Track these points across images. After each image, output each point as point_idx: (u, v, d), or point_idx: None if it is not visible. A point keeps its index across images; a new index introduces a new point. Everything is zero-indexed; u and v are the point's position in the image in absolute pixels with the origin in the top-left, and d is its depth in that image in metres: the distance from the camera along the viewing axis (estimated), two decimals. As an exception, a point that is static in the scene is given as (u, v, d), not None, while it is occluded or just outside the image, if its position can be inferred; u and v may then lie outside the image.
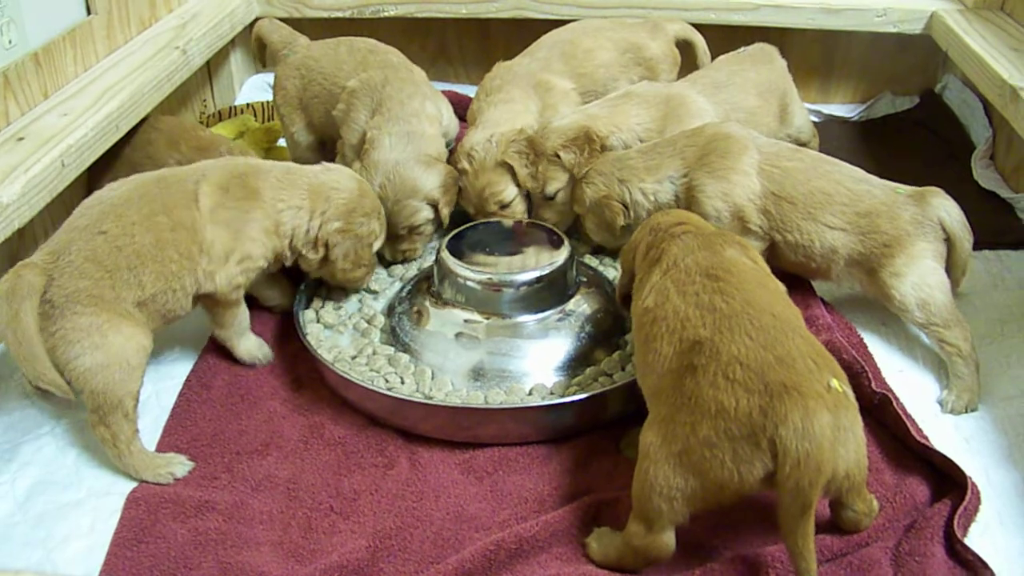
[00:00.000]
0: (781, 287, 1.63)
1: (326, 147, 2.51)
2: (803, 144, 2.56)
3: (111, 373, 1.73)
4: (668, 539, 1.45)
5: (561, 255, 2.00)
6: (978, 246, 2.23)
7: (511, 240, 2.11)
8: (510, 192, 2.28)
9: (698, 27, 2.83)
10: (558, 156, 2.23)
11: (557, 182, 2.26)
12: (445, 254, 2.01)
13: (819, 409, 1.32)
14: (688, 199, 2.06)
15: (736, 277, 1.53)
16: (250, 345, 2.03)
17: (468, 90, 3.15)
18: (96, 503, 1.73)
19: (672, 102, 2.32)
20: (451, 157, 2.38)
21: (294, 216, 1.95)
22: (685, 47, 2.70)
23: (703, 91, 2.36)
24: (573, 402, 1.77)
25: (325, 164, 2.08)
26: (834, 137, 2.85)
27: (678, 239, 1.68)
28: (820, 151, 2.55)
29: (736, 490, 1.37)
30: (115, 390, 1.73)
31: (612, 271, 2.24)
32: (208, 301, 1.93)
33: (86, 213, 1.82)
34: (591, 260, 2.29)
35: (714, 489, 1.38)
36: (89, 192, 2.36)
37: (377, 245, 2.10)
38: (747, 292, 1.49)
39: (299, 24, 3.04)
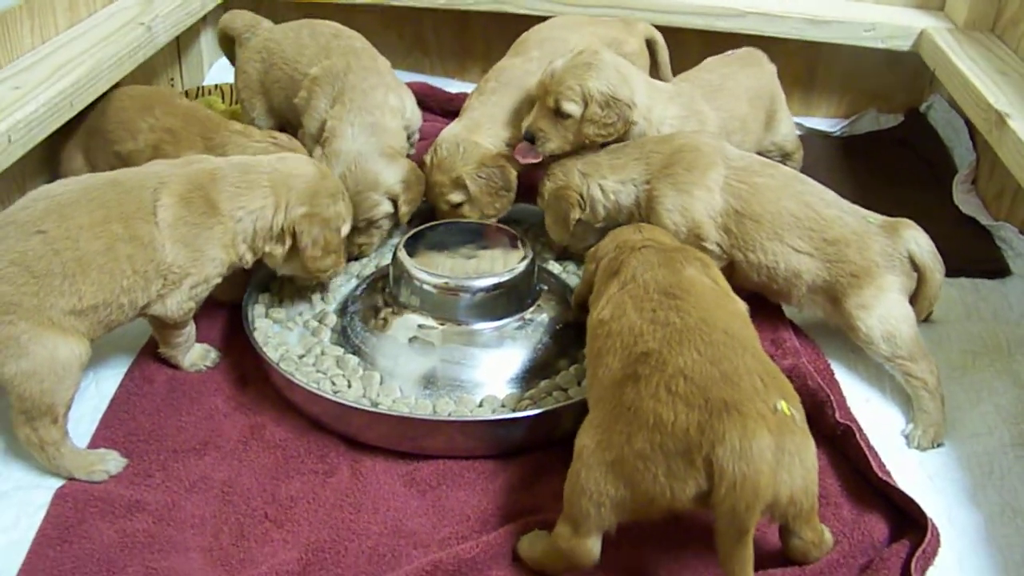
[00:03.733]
0: (742, 308, 1.58)
1: (286, 133, 2.43)
2: (788, 154, 2.53)
3: (38, 381, 1.62)
4: (593, 545, 1.41)
5: (522, 261, 1.94)
6: (954, 273, 2.19)
7: (472, 243, 2.05)
8: (457, 197, 2.21)
9: (681, 32, 2.78)
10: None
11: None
12: (402, 254, 1.95)
13: (759, 430, 1.27)
14: (647, 207, 2.01)
15: (694, 296, 1.49)
16: (194, 357, 1.95)
17: (443, 83, 3.10)
18: (23, 496, 1.66)
19: (694, 108, 2.26)
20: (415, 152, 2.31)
21: (257, 219, 1.83)
22: (648, 45, 2.64)
23: (704, 95, 2.30)
24: (524, 418, 1.71)
25: (280, 155, 1.99)
26: (815, 151, 2.79)
27: (638, 252, 1.63)
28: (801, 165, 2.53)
29: (667, 506, 1.32)
30: (43, 398, 1.63)
31: (575, 279, 2.18)
32: (154, 320, 1.84)
33: (29, 207, 1.69)
34: (554, 267, 2.23)
35: (644, 501, 1.33)
36: (48, 164, 2.32)
37: (345, 229, 2.00)
38: (703, 310, 1.45)
39: (273, 7, 2.98)
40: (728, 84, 2.36)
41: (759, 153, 2.37)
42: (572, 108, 2.08)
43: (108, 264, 1.68)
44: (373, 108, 2.20)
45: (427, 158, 2.25)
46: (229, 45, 2.59)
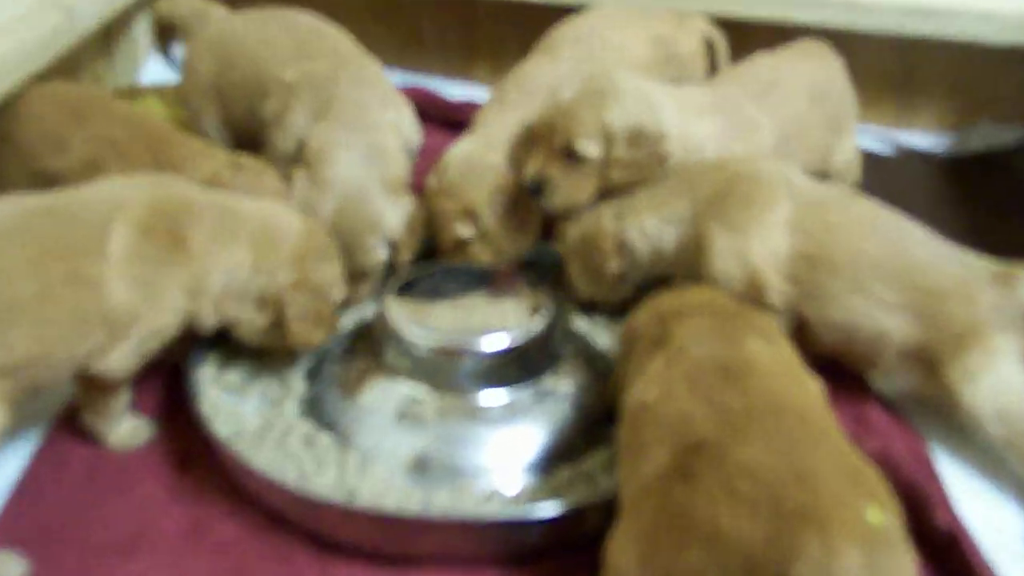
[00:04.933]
0: (816, 388, 1.61)
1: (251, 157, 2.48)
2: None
3: None
4: None
5: (541, 317, 1.99)
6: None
7: (478, 291, 2.10)
8: (466, 230, 2.26)
9: (747, 28, 2.83)
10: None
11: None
12: (391, 306, 2.00)
13: (845, 546, 1.28)
14: (694, 252, 2.05)
15: (758, 375, 1.52)
16: (123, 431, 1.99)
17: (443, 85, 3.16)
18: None
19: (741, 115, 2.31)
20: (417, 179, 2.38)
21: (230, 276, 1.91)
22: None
23: (751, 96, 2.35)
24: (542, 518, 1.72)
25: (261, 202, 2.04)
26: (910, 176, 2.79)
27: (687, 319, 1.67)
28: (890, 194, 2.54)
29: None
30: None
31: (604, 337, 2.22)
32: (84, 379, 1.88)
33: None
34: (580, 323, 2.27)
35: None
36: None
37: (337, 295, 2.06)
38: (770, 391, 1.48)
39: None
40: (782, 79, 2.40)
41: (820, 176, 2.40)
42: (590, 149, 2.11)
43: (43, 311, 1.72)
44: (370, 127, 2.26)
45: (431, 180, 2.30)
46: (167, 38, 2.64)
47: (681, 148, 2.19)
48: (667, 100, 2.22)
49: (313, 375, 2.08)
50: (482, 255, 2.27)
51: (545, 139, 2.17)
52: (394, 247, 2.24)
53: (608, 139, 2.11)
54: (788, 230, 1.99)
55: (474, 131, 2.39)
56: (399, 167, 2.28)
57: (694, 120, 2.24)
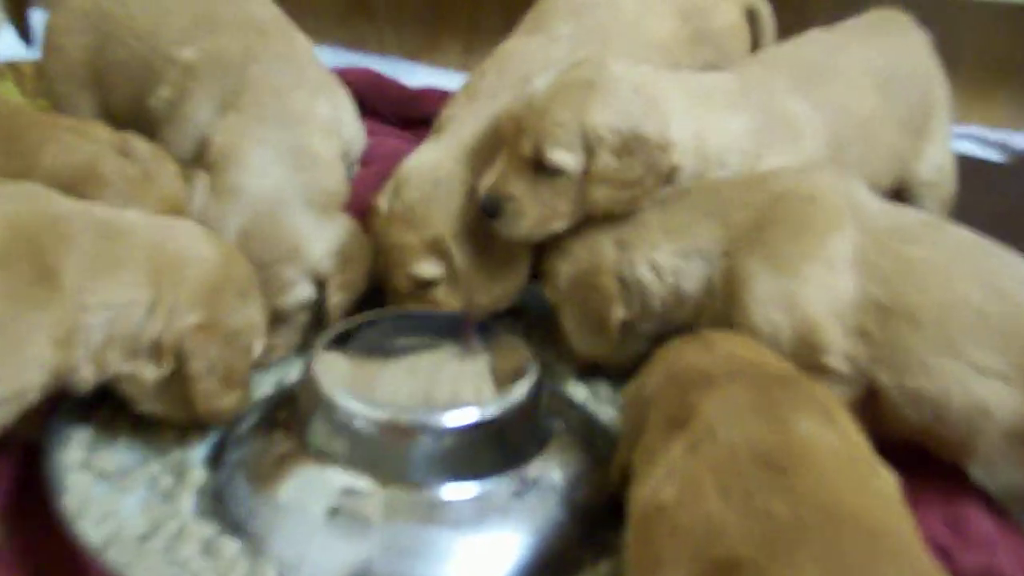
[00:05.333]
0: (889, 484, 1.59)
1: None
2: (926, 193, 2.58)
3: None
4: None
5: (522, 383, 1.98)
6: None
7: (440, 349, 2.10)
8: (429, 269, 2.26)
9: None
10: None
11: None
12: (320, 368, 1.99)
13: None
14: (726, 297, 2.05)
15: (811, 469, 1.50)
16: None
17: (400, 69, 3.17)
18: None
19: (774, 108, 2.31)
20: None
21: (115, 319, 1.90)
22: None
23: (793, 83, 2.36)
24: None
25: (164, 220, 2.04)
26: (1012, 187, 2.78)
27: (719, 388, 1.66)
28: (998, 216, 2.55)
29: None
30: None
31: (610, 409, 2.23)
32: None
33: None
34: (577, 390, 2.28)
35: None
36: None
37: (258, 347, 2.07)
38: (826, 493, 1.46)
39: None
40: (840, 62, 2.42)
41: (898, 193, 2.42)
42: (565, 159, 2.11)
43: None
44: (294, 122, 2.29)
45: (382, 200, 2.30)
46: (22, 3, 2.65)
47: (694, 159, 2.19)
48: (675, 93, 2.22)
49: (215, 460, 2.07)
50: (449, 302, 2.27)
51: (510, 144, 2.16)
52: (322, 285, 2.24)
53: (590, 146, 2.11)
54: (854, 269, 1.99)
55: (441, 133, 2.39)
56: (332, 177, 2.30)
57: (714, 120, 2.24)
